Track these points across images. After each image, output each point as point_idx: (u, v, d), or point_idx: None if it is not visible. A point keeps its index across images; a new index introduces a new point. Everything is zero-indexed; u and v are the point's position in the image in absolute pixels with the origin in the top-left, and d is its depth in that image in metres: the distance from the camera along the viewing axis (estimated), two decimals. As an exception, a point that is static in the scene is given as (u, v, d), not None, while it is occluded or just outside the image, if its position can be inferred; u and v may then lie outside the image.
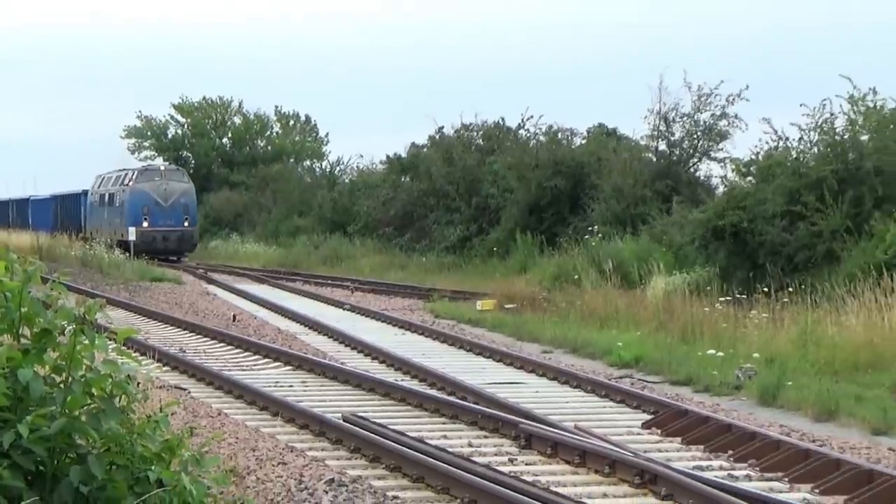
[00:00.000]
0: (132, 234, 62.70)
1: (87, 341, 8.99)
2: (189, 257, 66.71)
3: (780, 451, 15.28)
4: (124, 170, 73.01)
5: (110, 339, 9.28)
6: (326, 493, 13.15)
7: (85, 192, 74.00)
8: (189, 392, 20.12)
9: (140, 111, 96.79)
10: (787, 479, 14.37)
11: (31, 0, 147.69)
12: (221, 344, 28.00)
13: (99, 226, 68.34)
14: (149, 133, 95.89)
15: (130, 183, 66.36)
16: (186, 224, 66.02)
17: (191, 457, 9.54)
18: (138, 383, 9.58)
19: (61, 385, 8.89)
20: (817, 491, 13.77)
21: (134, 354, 9.39)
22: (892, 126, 35.54)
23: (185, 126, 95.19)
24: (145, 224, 64.57)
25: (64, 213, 76.87)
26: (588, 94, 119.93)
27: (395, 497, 13.01)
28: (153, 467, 8.91)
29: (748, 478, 14.47)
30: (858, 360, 22.78)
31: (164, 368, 22.46)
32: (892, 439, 17.19)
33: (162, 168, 69.97)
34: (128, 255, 58.58)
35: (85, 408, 8.84)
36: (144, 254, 60.75)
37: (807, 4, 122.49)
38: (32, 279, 9.12)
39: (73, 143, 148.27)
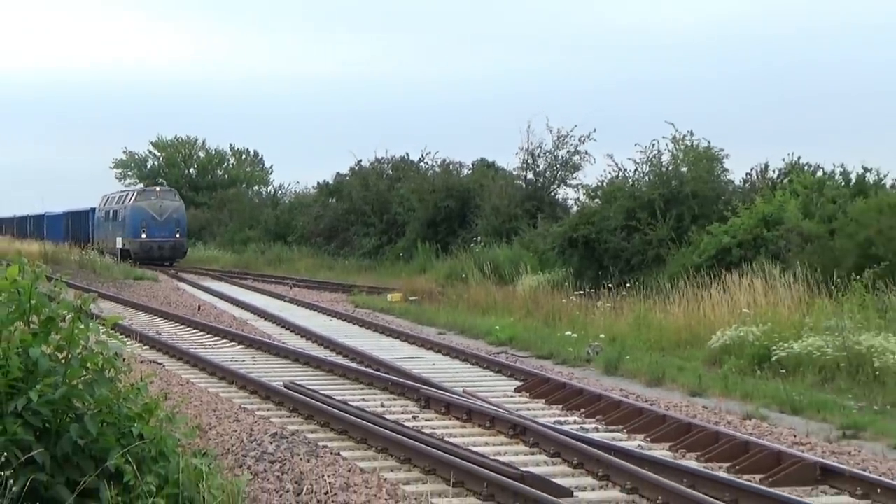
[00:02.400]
0: (120, 244, 61.58)
1: (82, 326, 8.99)
2: (180, 263, 64.38)
3: (620, 409, 15.37)
4: (125, 190, 71.63)
5: (101, 325, 9.26)
6: (271, 443, 13.09)
7: (93, 210, 71.69)
8: (164, 366, 19.94)
9: (125, 147, 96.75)
10: (625, 431, 14.46)
11: (39, 49, 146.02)
12: (189, 328, 27.79)
13: (105, 237, 66.24)
14: (132, 164, 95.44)
15: (131, 201, 64.25)
16: (178, 235, 63.72)
17: (165, 416, 9.50)
18: (123, 359, 9.53)
19: (63, 361, 8.86)
20: (649, 439, 13.87)
21: (120, 336, 9.26)
22: (704, 160, 35.96)
23: (161, 159, 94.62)
24: (143, 235, 62.37)
25: (74, 226, 74.66)
26: (473, 134, 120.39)
27: (324, 446, 12.95)
28: (136, 424, 8.87)
29: (596, 430, 14.54)
30: (680, 339, 22.99)
31: (144, 347, 22.26)
32: (705, 399, 17.33)
33: (157, 189, 67.66)
34: (116, 258, 57.84)
35: (81, 378, 8.81)
36: (143, 260, 59.25)
37: (641, 64, 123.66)
38: (39, 278, 9.10)
39: (73, 171, 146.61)
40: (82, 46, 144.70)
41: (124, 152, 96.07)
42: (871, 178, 33.84)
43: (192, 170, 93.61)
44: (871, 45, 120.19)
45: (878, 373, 17.61)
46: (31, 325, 8.97)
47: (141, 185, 74.09)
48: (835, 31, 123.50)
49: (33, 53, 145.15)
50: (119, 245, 61.56)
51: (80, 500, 8.19)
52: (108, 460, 8.44)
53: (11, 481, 7.60)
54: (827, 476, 11.56)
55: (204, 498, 8.88)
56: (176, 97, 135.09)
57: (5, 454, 7.85)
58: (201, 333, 26.58)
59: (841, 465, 11.87)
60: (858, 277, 23.19)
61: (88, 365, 8.91)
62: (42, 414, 8.45)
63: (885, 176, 34.07)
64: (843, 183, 33.41)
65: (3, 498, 7.35)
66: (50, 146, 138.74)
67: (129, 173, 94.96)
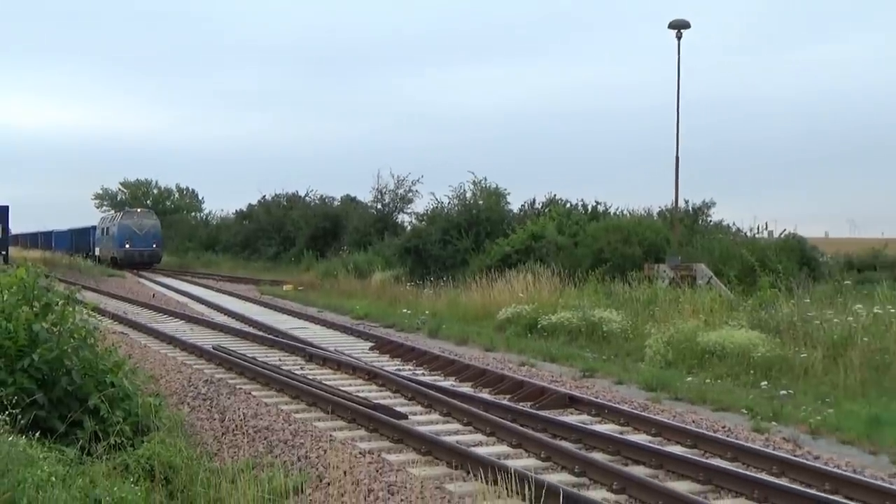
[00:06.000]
0: (111, 252, 58.02)
1: (71, 309, 8.93)
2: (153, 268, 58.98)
3: (439, 360, 15.46)
4: (115, 212, 67.84)
5: (84, 307, 9.11)
6: (203, 387, 12.87)
7: (93, 228, 66.90)
8: (128, 335, 19.36)
9: (102, 185, 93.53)
10: (443, 375, 14.55)
11: (43, 113, 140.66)
12: (146, 309, 27.05)
13: (101, 248, 61.74)
14: (106, 197, 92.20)
15: (119, 220, 59.59)
16: (155, 246, 58.72)
17: (129, 370, 9.37)
18: (100, 331, 9.37)
19: (56, 332, 8.79)
20: (458, 380, 13.97)
21: (97, 315, 9.08)
22: (494, 196, 36.48)
23: (127, 194, 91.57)
24: (128, 246, 57.26)
25: (78, 240, 69.70)
26: (344, 177, 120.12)
27: (240, 388, 12.78)
28: (109, 376, 8.80)
29: (423, 374, 14.60)
30: (478, 314, 23.19)
31: (115, 322, 21.55)
32: (494, 353, 17.54)
33: (138, 210, 63.06)
34: (96, 262, 55.65)
35: (70, 345, 8.72)
36: (128, 265, 54.90)
37: (456, 131, 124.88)
38: (39, 276, 9.01)
39: (64, 201, 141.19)
40: (74, 113, 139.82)
41: (101, 189, 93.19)
42: (601, 208, 34.96)
43: (148, 201, 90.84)
44: (603, 120, 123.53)
45: (605, 334, 18.06)
46: (34, 308, 8.85)
47: (126, 209, 69.26)
48: (575, 112, 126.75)
49: (40, 116, 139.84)
50: (110, 254, 58.48)
51: (69, 428, 8.07)
52: (89, 401, 8.34)
53: (20, 416, 7.43)
54: (573, 402, 11.82)
55: (157, 425, 8.77)
56: (137, 150, 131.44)
57: (16, 398, 7.71)
58: (155, 313, 25.90)
59: (582, 395, 12.14)
60: (593, 273, 23.83)
61: (75, 335, 8.84)
62: (42, 370, 8.37)
63: (609, 207, 35.28)
64: (583, 211, 34.35)
65: (14, 427, 7.13)
66: (50, 183, 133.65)
67: (105, 204, 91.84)
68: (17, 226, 64.52)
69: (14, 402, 7.54)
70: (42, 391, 8.19)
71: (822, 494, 7.52)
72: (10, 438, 6.58)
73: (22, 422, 7.43)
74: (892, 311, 15.45)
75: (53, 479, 5.98)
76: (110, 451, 7.65)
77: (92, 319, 9.18)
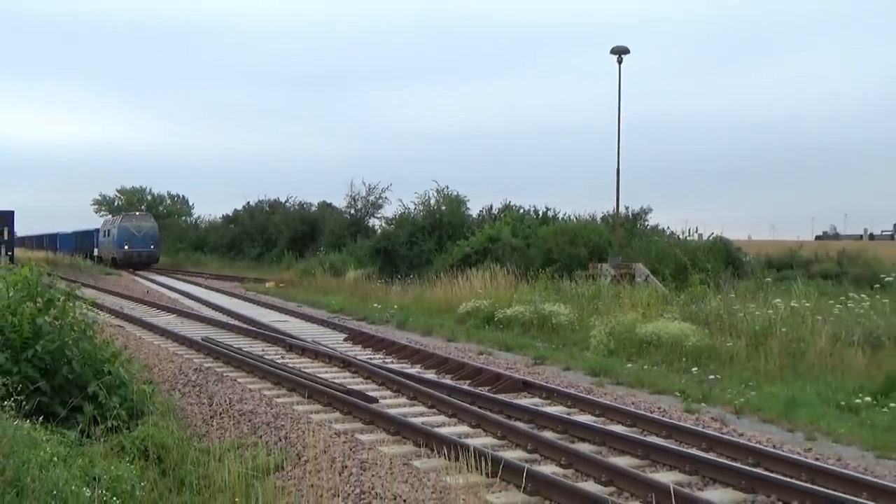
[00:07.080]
0: (111, 253, 56.51)
1: (71, 304, 8.84)
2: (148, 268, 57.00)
3: (406, 350, 15.44)
4: (116, 216, 66.47)
5: (83, 303, 9.01)
6: (193, 375, 12.74)
7: (96, 230, 64.89)
8: (124, 328, 19.12)
9: (100, 192, 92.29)
10: (410, 363, 14.53)
11: (46, 128, 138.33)
12: (141, 304, 26.72)
13: (103, 249, 59.86)
14: (104, 203, 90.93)
15: (118, 223, 57.73)
16: (152, 247, 56.73)
17: (125, 359, 9.27)
18: (98, 324, 9.27)
19: (58, 326, 8.68)
20: (423, 367, 13.96)
21: (95, 310, 8.98)
22: (455, 203, 36.53)
23: (123, 200, 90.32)
24: (126, 247, 55.38)
25: (82, 242, 67.40)
26: (320, 185, 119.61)
27: (227, 375, 12.67)
28: (106, 365, 8.70)
29: (392, 362, 14.58)
30: (441, 307, 23.17)
31: (112, 317, 21.30)
32: (456, 343, 17.52)
33: (137, 213, 61.32)
34: (93, 262, 54.75)
35: (71, 337, 8.63)
36: (127, 266, 53.27)
37: (423, 146, 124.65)
38: (42, 274, 8.91)
39: (66, 206, 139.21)
40: (75, 125, 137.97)
41: (99, 195, 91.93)
42: (551, 214, 35.09)
43: (143, 207, 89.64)
44: (554, 134, 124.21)
45: (554, 326, 18.12)
46: (37, 304, 8.74)
47: (125, 213, 67.32)
48: (530, 127, 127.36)
49: (43, 129, 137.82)
50: (111, 254, 57.19)
51: (70, 413, 7.97)
52: (88, 388, 8.25)
53: (25, 402, 7.31)
54: (527, 387, 11.86)
55: (150, 410, 8.68)
56: (133, 160, 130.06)
57: (21, 385, 7.61)
58: (149, 308, 25.58)
59: (534, 380, 12.18)
60: (543, 271, 23.91)
61: (75, 328, 8.75)
62: (45, 359, 8.27)
63: (558, 213, 35.44)
64: (535, 217, 34.47)
65: (20, 413, 7.02)
66: (52, 190, 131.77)
67: (103, 209, 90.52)
68: (21, 229, 63.26)
69: (19, 389, 7.43)
70: (45, 379, 8.08)
71: (746, 467, 7.61)
72: (16, 423, 6.47)
73: (26, 407, 7.32)
74: (807, 304, 15.68)
75: (55, 459, 5.89)
76: (108, 433, 7.57)
77: (91, 314, 9.07)
